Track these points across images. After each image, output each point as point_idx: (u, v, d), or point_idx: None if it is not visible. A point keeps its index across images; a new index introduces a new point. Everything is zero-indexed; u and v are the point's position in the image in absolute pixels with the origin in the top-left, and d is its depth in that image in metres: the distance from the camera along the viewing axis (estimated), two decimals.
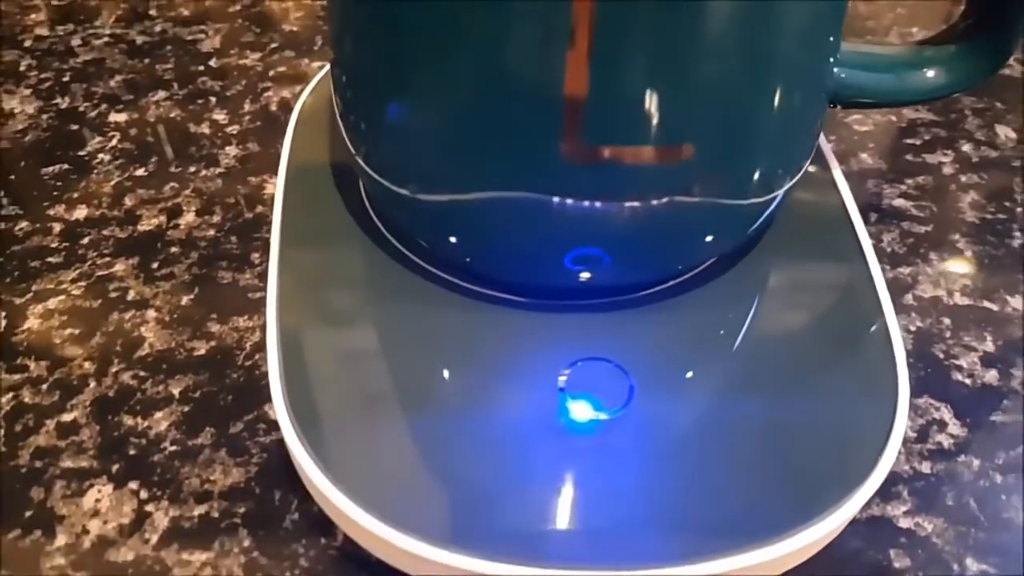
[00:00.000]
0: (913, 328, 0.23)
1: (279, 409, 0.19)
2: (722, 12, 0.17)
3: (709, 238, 0.20)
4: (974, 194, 0.27)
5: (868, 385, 0.20)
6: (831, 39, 0.20)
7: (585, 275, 0.20)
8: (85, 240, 0.26)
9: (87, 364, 0.23)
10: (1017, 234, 0.26)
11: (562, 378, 0.19)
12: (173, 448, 0.21)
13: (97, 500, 0.20)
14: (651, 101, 0.17)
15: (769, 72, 0.18)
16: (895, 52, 0.23)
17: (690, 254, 0.21)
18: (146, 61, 0.33)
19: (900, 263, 0.25)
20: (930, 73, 0.22)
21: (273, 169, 0.28)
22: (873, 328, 0.21)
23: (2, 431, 0.21)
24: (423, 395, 0.19)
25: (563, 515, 0.17)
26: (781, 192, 0.21)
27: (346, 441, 0.19)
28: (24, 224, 0.27)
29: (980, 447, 0.21)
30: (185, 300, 0.24)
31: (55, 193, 0.28)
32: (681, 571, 0.17)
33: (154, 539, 0.19)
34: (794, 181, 0.21)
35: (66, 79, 0.32)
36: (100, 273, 0.25)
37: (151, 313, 0.24)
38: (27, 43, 0.34)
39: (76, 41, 0.34)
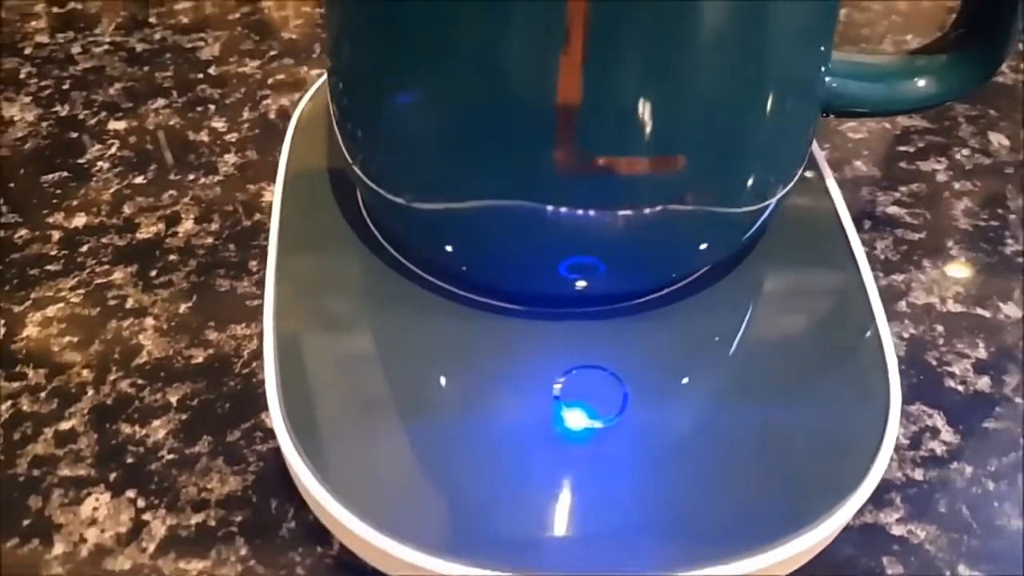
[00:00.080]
0: (906, 335, 0.24)
1: (275, 418, 0.19)
2: (715, 22, 0.17)
3: (703, 246, 0.21)
4: (967, 201, 0.27)
5: (860, 393, 0.20)
6: (823, 49, 0.20)
7: (581, 283, 0.20)
8: (84, 248, 0.26)
9: (85, 372, 0.23)
10: (1010, 241, 0.26)
11: (557, 386, 0.19)
12: (170, 456, 0.21)
13: (95, 509, 0.20)
14: (645, 111, 0.18)
15: (762, 82, 0.19)
16: (886, 61, 0.23)
17: (684, 262, 0.21)
18: (146, 69, 0.33)
19: (894, 270, 0.25)
20: (921, 82, 0.22)
21: (271, 177, 0.28)
22: (865, 336, 0.21)
23: (0, 439, 0.21)
24: (419, 404, 0.19)
25: (558, 523, 0.18)
26: (774, 200, 0.21)
27: (342, 450, 0.19)
28: (23, 232, 0.27)
29: (973, 454, 0.21)
30: (183, 308, 0.24)
31: (54, 201, 0.28)
32: None
33: (151, 548, 0.19)
34: (787, 189, 0.21)
35: (66, 87, 0.32)
36: (99, 281, 0.25)
37: (149, 321, 0.24)
38: (27, 50, 0.34)
39: (76, 49, 0.34)
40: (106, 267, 0.26)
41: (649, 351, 0.20)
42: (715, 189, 0.19)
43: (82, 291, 0.25)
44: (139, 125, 0.30)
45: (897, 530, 0.20)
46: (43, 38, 0.35)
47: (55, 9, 0.36)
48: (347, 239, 0.23)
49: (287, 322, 0.21)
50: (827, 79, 0.21)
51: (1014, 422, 0.22)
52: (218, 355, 0.23)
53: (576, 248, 0.20)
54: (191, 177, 0.28)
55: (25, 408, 0.22)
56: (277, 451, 0.20)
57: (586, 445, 0.19)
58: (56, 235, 0.27)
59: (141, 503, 0.20)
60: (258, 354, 0.23)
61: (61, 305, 0.24)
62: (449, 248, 0.21)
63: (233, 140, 0.30)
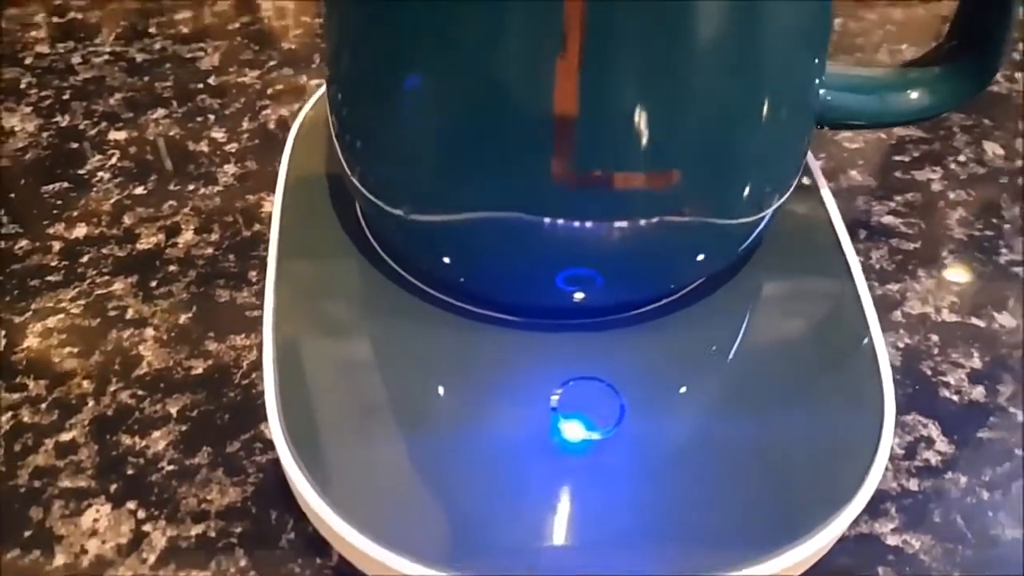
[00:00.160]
0: (901, 345, 0.24)
1: (275, 430, 0.19)
2: (711, 36, 0.17)
3: (700, 258, 0.21)
4: (962, 211, 0.28)
5: (855, 404, 0.20)
6: (817, 62, 0.20)
7: (578, 295, 0.20)
8: (84, 258, 0.26)
9: (86, 383, 0.23)
10: (1004, 251, 0.26)
11: (554, 397, 0.19)
12: (171, 467, 0.21)
13: (95, 520, 0.20)
14: (641, 125, 0.18)
15: (758, 96, 0.19)
16: (880, 74, 0.23)
17: (681, 274, 0.21)
18: (145, 79, 0.33)
19: (889, 280, 0.25)
20: (915, 95, 0.22)
21: (270, 187, 0.28)
22: (859, 347, 0.21)
23: (1, 450, 0.21)
24: (417, 416, 0.20)
25: (556, 534, 0.18)
26: (770, 211, 0.21)
27: (341, 462, 0.19)
28: (24, 242, 0.27)
29: (967, 464, 0.21)
30: (183, 318, 0.24)
31: (55, 211, 0.28)
32: None
33: (152, 559, 0.19)
34: (783, 200, 0.21)
35: (66, 97, 0.32)
36: (99, 292, 0.25)
37: (149, 332, 0.24)
38: (28, 60, 0.34)
39: (76, 59, 0.34)
40: (106, 278, 0.26)
41: (646, 362, 0.20)
42: (712, 201, 0.20)
43: (82, 302, 0.25)
44: (139, 135, 0.31)
45: (892, 540, 0.20)
46: (44, 48, 0.35)
47: (55, 19, 0.36)
48: (346, 250, 0.23)
49: (286, 333, 0.21)
50: (821, 92, 0.21)
51: (1008, 432, 0.22)
52: (218, 366, 0.23)
53: (573, 260, 0.20)
54: (191, 187, 0.29)
55: (26, 419, 0.22)
56: (276, 462, 0.20)
57: (584, 456, 0.19)
58: (57, 245, 0.27)
59: (141, 514, 0.20)
60: (257, 365, 0.23)
61: (62, 316, 0.25)
62: (447, 260, 0.21)
63: (233, 150, 0.30)
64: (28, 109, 0.32)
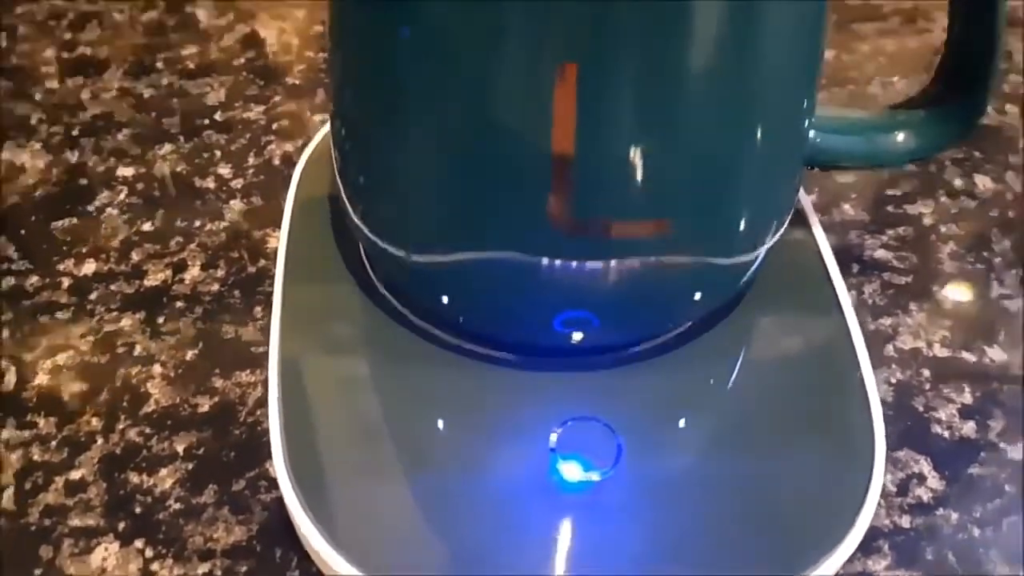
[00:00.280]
0: (894, 380, 0.24)
1: (279, 472, 0.19)
2: (704, 87, 0.18)
3: (695, 298, 0.21)
4: (953, 244, 0.28)
5: (847, 442, 0.20)
6: (807, 105, 0.21)
7: (576, 335, 0.21)
8: (93, 295, 0.27)
9: (95, 421, 0.23)
10: (995, 284, 0.27)
11: (553, 436, 0.20)
12: (177, 506, 0.21)
13: (104, 559, 0.20)
14: (636, 174, 0.18)
15: (752, 141, 0.19)
16: (868, 117, 0.24)
17: (677, 314, 0.22)
18: (153, 115, 0.34)
19: (881, 314, 0.26)
20: (901, 137, 0.23)
21: (276, 222, 0.29)
22: (850, 384, 0.21)
23: (12, 489, 0.22)
24: (419, 455, 0.20)
25: (556, 573, 0.18)
26: (763, 250, 0.22)
27: (344, 501, 0.19)
28: (34, 279, 0.27)
29: (958, 500, 0.21)
30: (190, 355, 0.25)
31: (64, 247, 0.28)
32: None
33: None
34: (775, 239, 0.22)
35: (75, 133, 0.33)
36: (108, 328, 0.26)
37: (157, 368, 0.25)
38: (38, 96, 0.35)
39: (86, 94, 0.35)
40: (115, 314, 0.26)
41: (643, 401, 0.21)
42: (707, 244, 0.20)
43: (91, 338, 0.26)
44: (147, 171, 0.31)
45: None
46: (53, 83, 0.36)
47: (65, 54, 0.37)
48: (350, 288, 0.24)
49: (290, 373, 0.22)
50: (811, 134, 0.22)
51: (998, 468, 0.22)
52: (223, 403, 0.24)
53: (570, 302, 0.20)
54: (197, 223, 0.29)
55: (36, 457, 0.23)
56: (281, 501, 0.21)
57: (583, 496, 0.19)
58: (66, 282, 0.27)
59: (149, 553, 0.20)
60: (262, 402, 0.24)
61: (71, 352, 0.25)
62: (446, 299, 0.21)
63: (238, 186, 0.30)
64: (38, 145, 0.32)
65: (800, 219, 0.25)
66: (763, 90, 0.19)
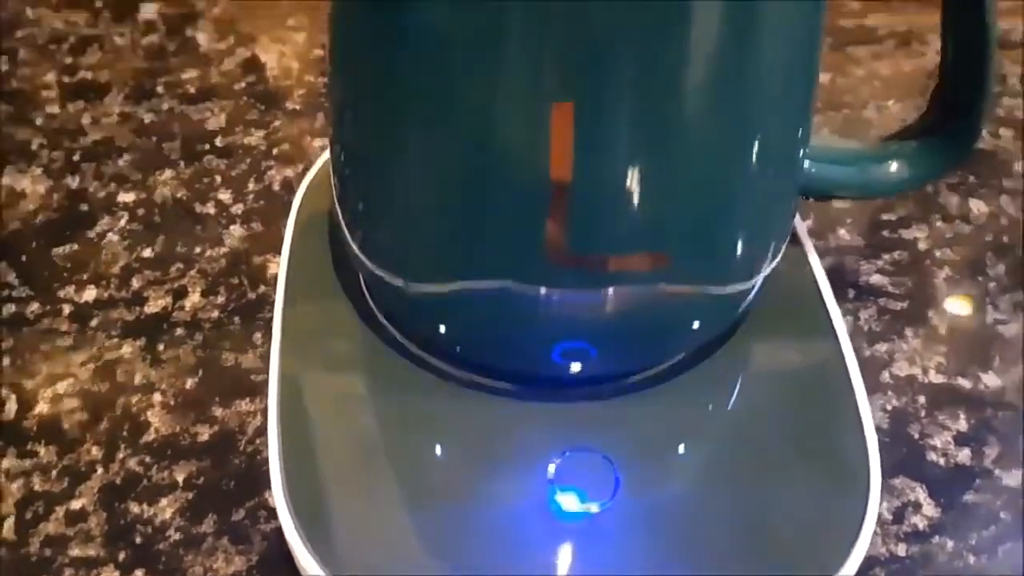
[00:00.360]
0: (889, 407, 0.24)
1: (279, 503, 0.20)
2: (700, 123, 0.18)
3: (692, 328, 0.21)
4: (948, 269, 0.28)
5: (842, 471, 0.21)
6: (802, 136, 0.21)
7: (574, 366, 0.21)
8: (94, 322, 0.27)
9: (95, 450, 0.23)
10: (990, 309, 0.27)
11: (551, 467, 0.20)
12: (177, 536, 0.21)
13: None
14: (634, 208, 0.19)
15: (747, 175, 0.20)
16: (862, 148, 0.24)
17: (675, 344, 0.22)
18: (153, 139, 0.34)
19: (877, 340, 0.26)
20: (894, 167, 0.23)
21: (275, 248, 0.29)
22: (846, 413, 0.21)
23: (13, 519, 0.22)
24: (417, 487, 0.20)
25: None
26: (760, 278, 0.22)
27: (342, 532, 0.19)
28: (35, 306, 0.28)
29: (954, 528, 0.22)
30: (189, 383, 0.25)
31: (65, 274, 0.29)
32: None
33: None
34: (771, 268, 0.22)
35: (76, 158, 0.33)
36: (108, 356, 0.26)
37: (157, 397, 0.25)
38: (39, 121, 0.35)
39: (86, 119, 0.35)
40: (115, 341, 0.26)
41: (641, 431, 0.21)
42: (703, 275, 0.20)
43: (92, 366, 0.26)
44: (147, 197, 0.31)
45: None
46: (54, 108, 0.36)
47: (66, 78, 0.37)
48: (349, 316, 0.24)
49: (290, 402, 0.22)
50: (806, 164, 0.22)
51: (993, 495, 0.22)
52: (223, 431, 0.24)
53: (567, 333, 0.21)
54: (197, 250, 0.29)
55: (36, 487, 0.23)
56: (280, 531, 0.21)
57: (581, 527, 0.19)
58: (67, 309, 0.27)
59: None
60: (261, 431, 0.24)
61: (71, 380, 0.25)
62: (443, 329, 0.22)
63: (239, 212, 0.31)
64: (39, 171, 0.33)
65: (796, 245, 0.25)
66: (758, 123, 0.19)
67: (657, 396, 0.22)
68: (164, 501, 0.22)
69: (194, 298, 0.28)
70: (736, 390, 0.22)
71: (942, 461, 0.23)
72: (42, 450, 0.23)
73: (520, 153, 0.18)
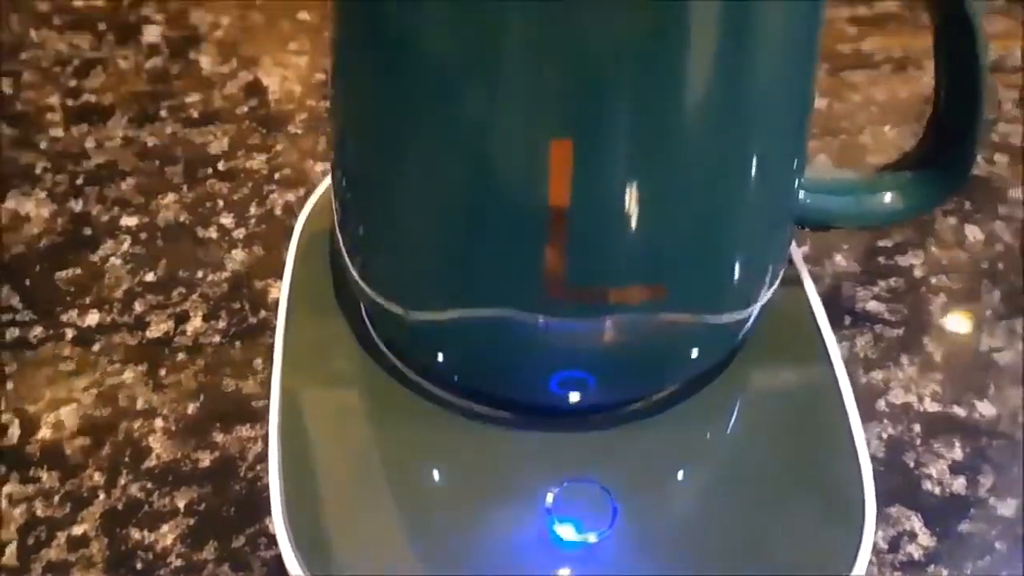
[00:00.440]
0: (885, 436, 0.25)
1: (279, 531, 0.20)
2: (697, 158, 0.18)
3: (690, 357, 0.22)
4: (944, 296, 0.29)
5: (837, 501, 0.21)
6: (798, 166, 0.22)
7: (572, 395, 0.21)
8: (96, 347, 0.27)
9: (97, 475, 0.24)
10: (985, 337, 0.27)
11: (550, 497, 0.20)
12: (178, 563, 0.22)
13: None
14: (633, 244, 0.19)
15: (744, 207, 0.20)
16: (856, 178, 0.24)
17: (672, 374, 0.22)
18: (156, 163, 0.34)
19: (873, 367, 0.26)
20: (888, 198, 0.23)
21: (277, 273, 0.29)
22: (840, 442, 0.22)
23: (15, 544, 0.22)
24: (417, 515, 0.20)
25: None
26: (757, 307, 0.22)
27: (342, 560, 0.20)
28: (39, 330, 0.28)
29: (949, 558, 0.22)
30: (191, 408, 0.25)
31: (68, 298, 0.29)
32: None
33: None
34: (768, 297, 0.22)
35: (79, 181, 0.34)
36: (111, 381, 0.26)
37: (158, 422, 0.25)
38: (43, 144, 0.36)
39: (90, 143, 0.35)
40: (117, 366, 0.27)
41: (639, 461, 0.21)
42: (701, 306, 0.21)
43: (94, 391, 0.26)
44: (150, 221, 0.32)
45: None
46: (58, 131, 0.36)
47: (69, 101, 0.38)
48: (349, 342, 0.24)
49: (290, 428, 0.22)
50: (801, 194, 0.23)
51: (988, 524, 0.22)
52: (224, 457, 0.24)
53: (565, 363, 0.21)
54: (199, 274, 0.30)
55: (39, 512, 0.23)
56: (280, 558, 0.21)
57: (579, 556, 0.20)
58: (70, 333, 0.28)
59: None
60: (262, 457, 0.24)
61: (74, 406, 0.26)
62: (441, 357, 0.22)
63: (241, 236, 0.31)
64: (43, 194, 0.33)
65: (792, 273, 0.26)
66: (754, 157, 0.19)
67: (654, 425, 0.22)
68: (165, 527, 0.22)
69: (196, 323, 0.28)
70: (732, 420, 0.22)
71: (937, 490, 0.23)
72: (44, 475, 0.24)
73: (518, 186, 0.18)
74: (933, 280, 0.29)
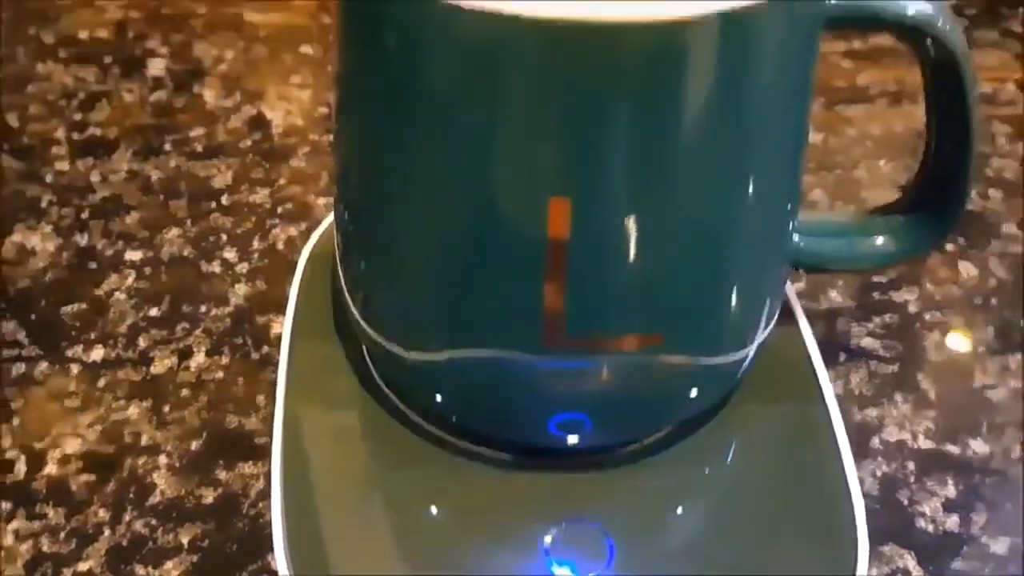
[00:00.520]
0: (879, 473, 0.25)
1: (281, 567, 0.20)
2: (693, 212, 0.19)
3: (687, 399, 0.22)
4: (938, 333, 0.29)
5: (831, 539, 0.21)
6: (791, 209, 0.22)
7: (571, 437, 0.22)
8: (101, 383, 0.28)
9: (102, 512, 0.24)
10: (978, 374, 0.28)
11: (548, 538, 0.21)
12: None
13: None
14: (630, 296, 0.19)
15: (740, 255, 0.20)
16: (849, 221, 0.25)
17: (668, 415, 0.23)
18: (160, 197, 0.35)
19: (867, 404, 0.27)
20: (881, 241, 0.24)
21: (279, 308, 0.29)
22: (834, 481, 0.22)
23: None
24: (416, 554, 0.21)
25: None
26: (753, 348, 0.23)
27: None
28: (44, 365, 0.28)
29: None
30: (194, 445, 0.26)
31: (73, 333, 0.29)
32: None
33: None
34: (764, 338, 0.23)
35: (85, 215, 0.34)
36: (115, 417, 0.27)
37: (162, 459, 0.25)
38: (48, 178, 0.36)
39: (95, 177, 0.36)
40: (122, 402, 0.27)
41: (635, 501, 0.22)
42: (697, 350, 0.21)
43: (99, 427, 0.26)
44: (154, 255, 0.32)
45: None
46: (63, 165, 0.37)
47: (75, 135, 0.38)
48: (351, 382, 0.25)
49: (292, 466, 0.22)
50: (795, 237, 0.23)
51: (981, 562, 0.23)
52: (227, 494, 0.24)
53: (564, 405, 0.21)
54: (203, 308, 0.30)
55: (45, 548, 0.23)
56: None
57: None
58: (75, 369, 0.28)
59: None
60: (264, 494, 0.24)
61: (80, 442, 0.26)
62: (440, 398, 0.22)
63: (244, 271, 0.31)
64: (48, 228, 0.33)
65: (786, 311, 0.26)
66: (751, 206, 0.20)
67: (652, 466, 0.22)
68: (169, 564, 0.23)
69: (199, 358, 0.28)
70: (727, 461, 0.23)
71: (931, 528, 0.23)
72: (51, 511, 0.24)
73: (518, 236, 0.19)
74: (927, 316, 0.30)
